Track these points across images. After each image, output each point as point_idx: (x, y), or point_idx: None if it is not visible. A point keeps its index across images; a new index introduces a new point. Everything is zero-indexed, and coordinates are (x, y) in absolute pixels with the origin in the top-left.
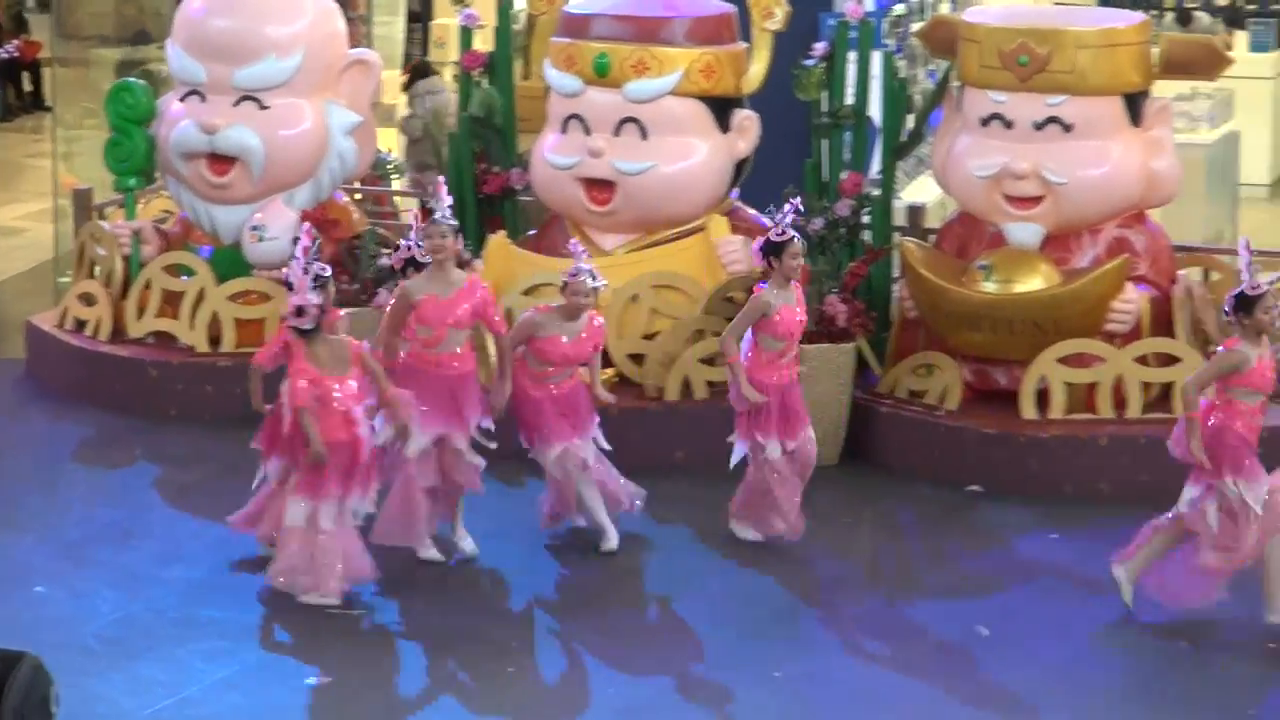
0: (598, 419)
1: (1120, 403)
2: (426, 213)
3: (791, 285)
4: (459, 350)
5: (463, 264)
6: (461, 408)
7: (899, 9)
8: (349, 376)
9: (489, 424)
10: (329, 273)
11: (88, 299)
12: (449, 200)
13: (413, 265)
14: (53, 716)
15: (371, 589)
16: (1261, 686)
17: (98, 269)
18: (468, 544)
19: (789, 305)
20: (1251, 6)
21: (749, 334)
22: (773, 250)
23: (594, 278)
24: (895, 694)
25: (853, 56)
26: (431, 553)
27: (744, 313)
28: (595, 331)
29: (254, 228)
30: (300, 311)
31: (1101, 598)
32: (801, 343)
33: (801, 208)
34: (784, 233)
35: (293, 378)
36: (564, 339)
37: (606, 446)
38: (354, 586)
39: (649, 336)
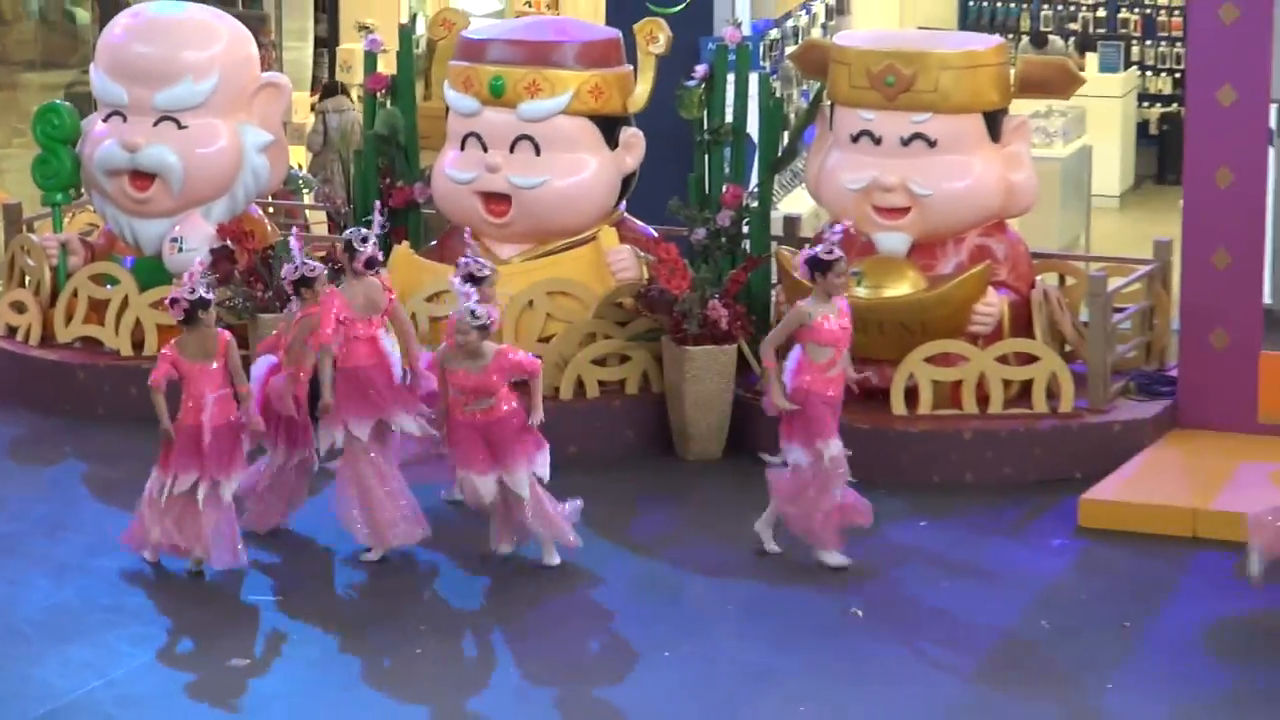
0: (535, 451)
1: (983, 399)
2: (333, 226)
3: (833, 299)
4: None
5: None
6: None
7: (774, 34)
8: (209, 364)
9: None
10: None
11: (18, 306)
12: (380, 219)
13: (305, 284)
14: None
15: (292, 577)
16: (1115, 660)
17: (27, 278)
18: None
19: (829, 315)
20: (1101, 30)
21: (797, 347)
22: (820, 267)
23: (474, 316)
24: (778, 671)
25: (731, 78)
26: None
27: (783, 323)
28: (503, 365)
29: (173, 239)
30: (174, 302)
31: (967, 579)
32: (686, 344)
33: (850, 230)
34: (832, 251)
35: (160, 360)
36: (468, 372)
37: (539, 477)
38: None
39: (544, 339)
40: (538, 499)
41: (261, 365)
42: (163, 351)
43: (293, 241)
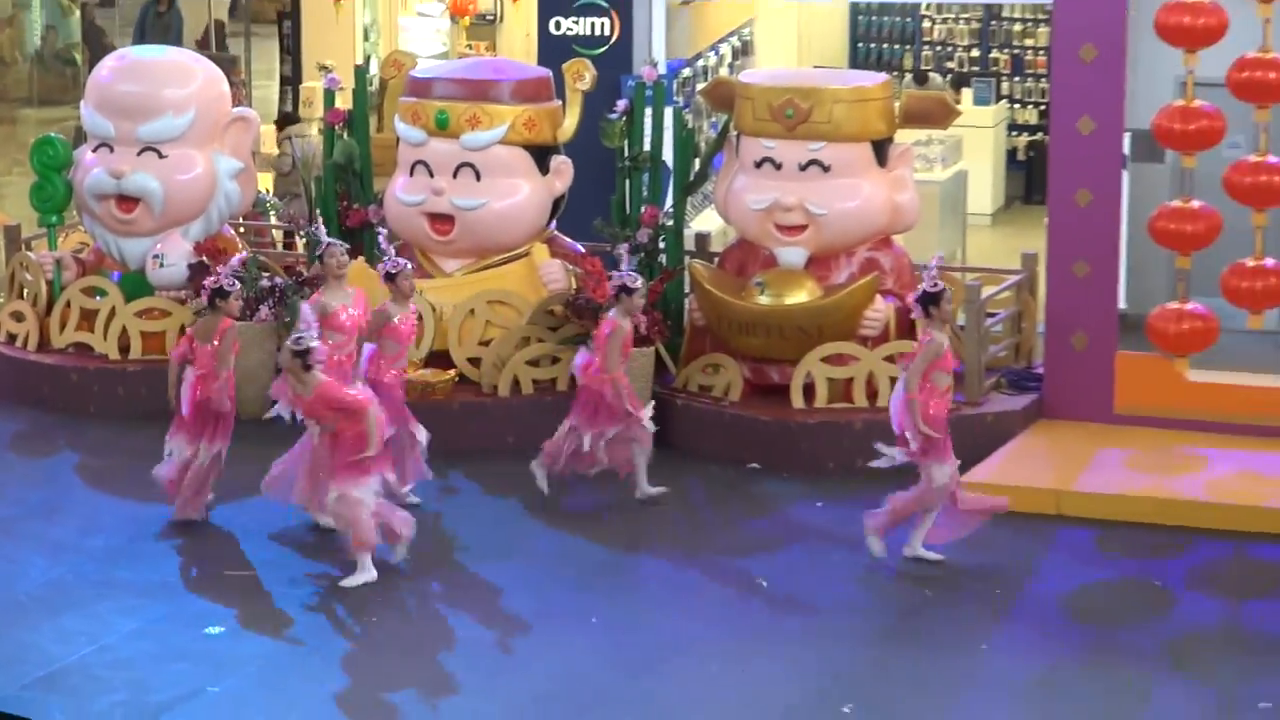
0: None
1: (872, 394)
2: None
3: (946, 327)
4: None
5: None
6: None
7: (686, 72)
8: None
9: None
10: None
11: (18, 316)
12: (322, 229)
13: (390, 279)
14: None
15: (268, 552)
16: (990, 624)
17: (25, 291)
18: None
19: (947, 345)
20: (975, 68)
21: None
22: (931, 300)
23: (295, 343)
24: (692, 635)
25: (649, 111)
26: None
27: (922, 357)
28: (325, 398)
29: (155, 256)
30: (200, 290)
31: (859, 554)
32: None
33: (944, 262)
34: (936, 284)
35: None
36: (300, 396)
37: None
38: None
39: (484, 343)
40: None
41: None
42: (187, 331)
43: (382, 240)
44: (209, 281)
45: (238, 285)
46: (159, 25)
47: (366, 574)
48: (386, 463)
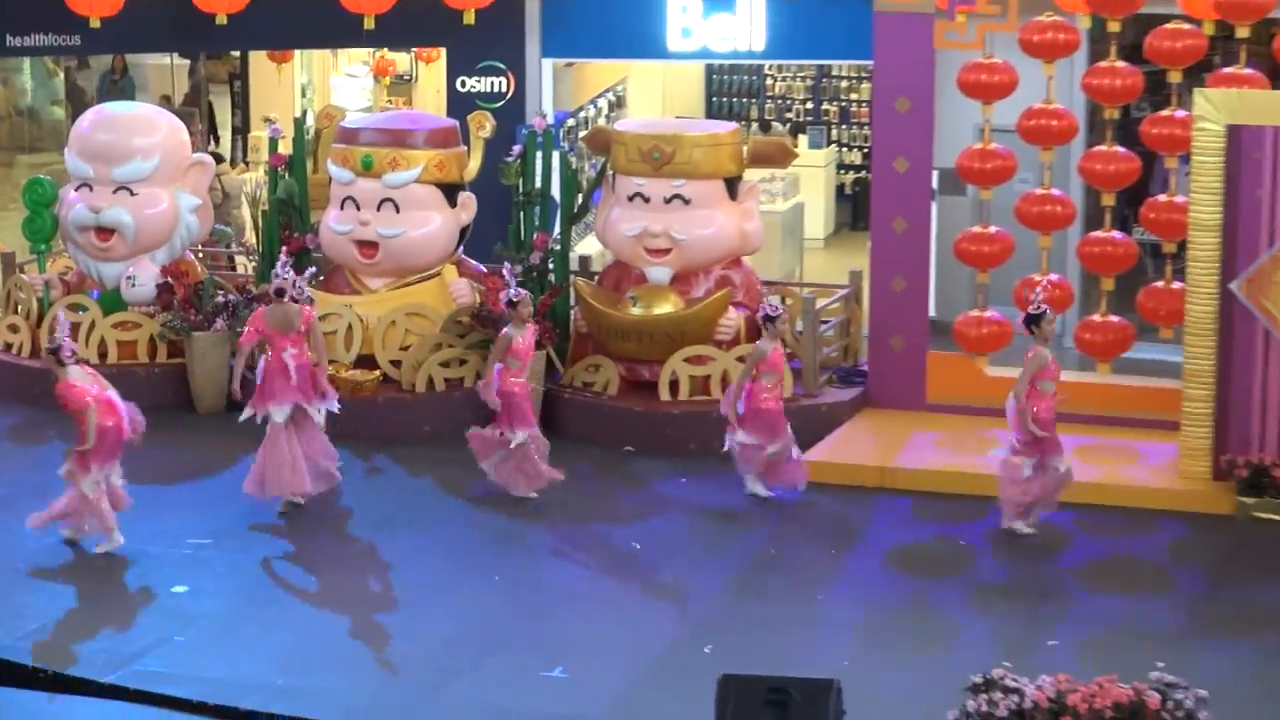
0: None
1: (726, 389)
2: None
3: (1050, 343)
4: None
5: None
6: (307, 391)
7: (570, 122)
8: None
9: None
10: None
11: (13, 328)
12: (284, 261)
13: (511, 305)
14: None
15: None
16: (826, 577)
17: (20, 307)
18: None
19: (1055, 360)
20: (809, 118)
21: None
22: (1034, 321)
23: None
24: (578, 589)
25: (540, 155)
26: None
27: (1028, 368)
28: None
29: (128, 277)
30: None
31: (717, 521)
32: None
33: (1048, 290)
34: (1039, 307)
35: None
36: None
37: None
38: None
39: (404, 348)
40: None
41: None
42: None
43: (506, 273)
44: (505, 295)
45: (524, 295)
46: (115, 90)
47: (113, 542)
48: (106, 459)
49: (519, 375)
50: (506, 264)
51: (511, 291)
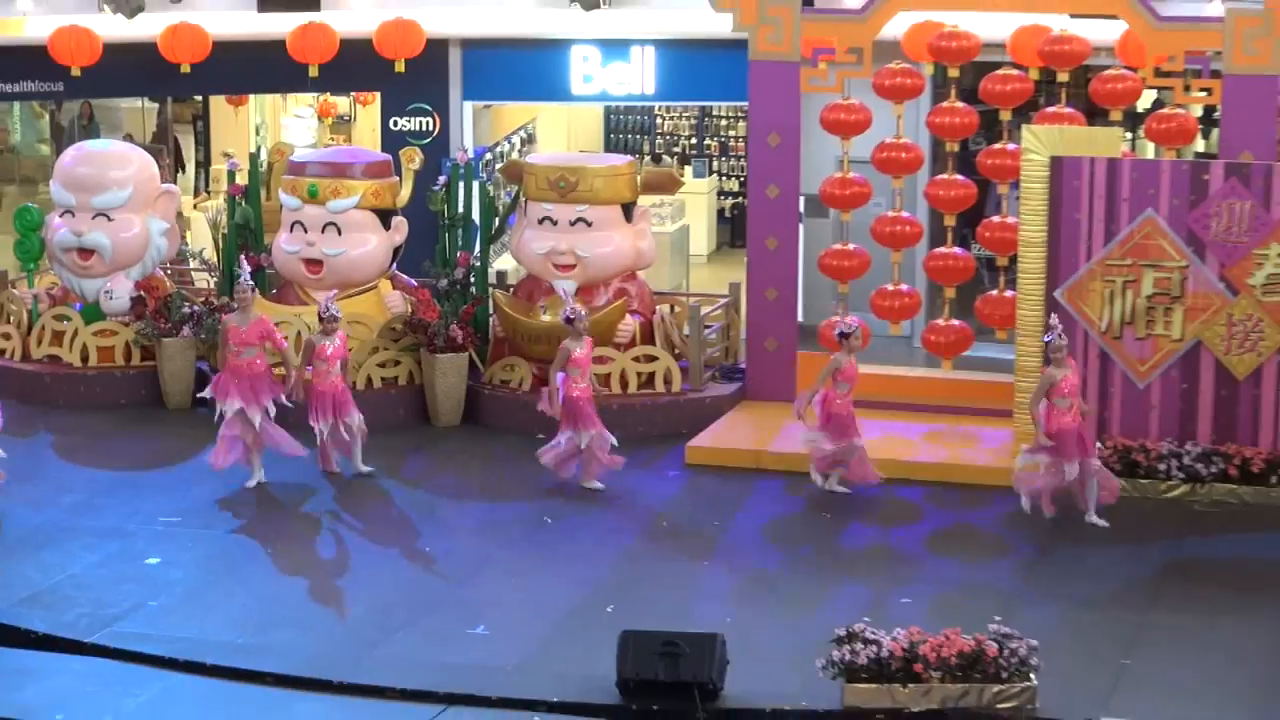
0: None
1: (624, 384)
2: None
3: (1067, 363)
4: (254, 357)
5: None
6: (257, 392)
7: (488, 156)
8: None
9: (285, 401)
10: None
11: (6, 336)
12: (248, 270)
13: (569, 321)
14: None
15: (191, 504)
16: (710, 546)
17: (11, 318)
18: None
19: (1068, 376)
20: (694, 151)
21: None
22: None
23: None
24: (497, 557)
25: (462, 184)
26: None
27: (1039, 386)
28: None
29: (106, 291)
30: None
31: (617, 498)
32: (436, 354)
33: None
34: (1053, 331)
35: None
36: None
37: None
38: None
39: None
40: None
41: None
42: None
43: (562, 292)
44: (564, 312)
45: (581, 313)
46: (84, 131)
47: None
48: None
49: (580, 382)
50: (563, 286)
51: (569, 309)
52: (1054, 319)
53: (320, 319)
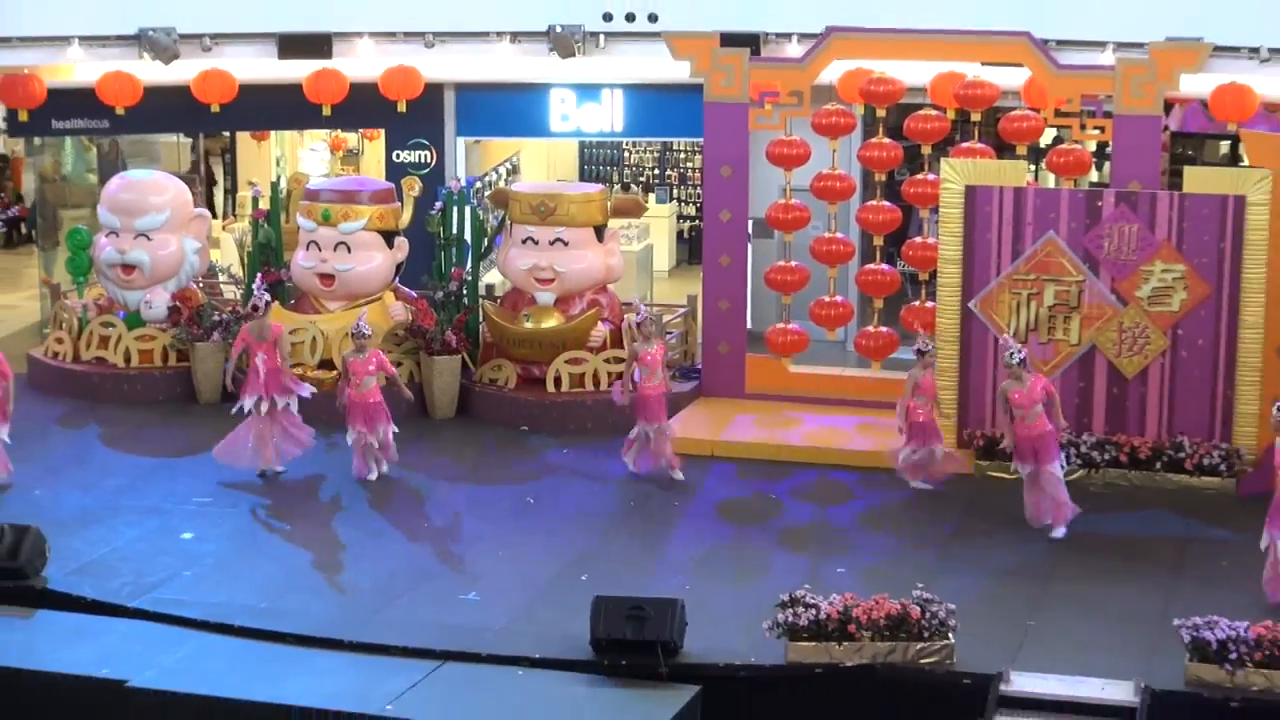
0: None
1: (596, 383)
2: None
3: (1025, 378)
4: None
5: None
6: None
7: (479, 185)
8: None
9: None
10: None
11: (59, 340)
12: (259, 286)
13: (640, 328)
14: (46, 560)
15: (220, 488)
16: (673, 522)
17: (64, 324)
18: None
19: (1020, 389)
20: (657, 180)
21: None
22: (639, 325)
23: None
24: (487, 532)
25: (456, 209)
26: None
27: (1000, 401)
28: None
29: (146, 302)
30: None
31: (593, 480)
32: (433, 355)
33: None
34: (1010, 348)
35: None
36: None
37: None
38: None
39: None
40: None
41: None
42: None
43: (637, 303)
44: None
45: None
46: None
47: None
48: None
49: (650, 380)
50: (639, 301)
51: (639, 316)
52: (1006, 338)
53: (353, 337)
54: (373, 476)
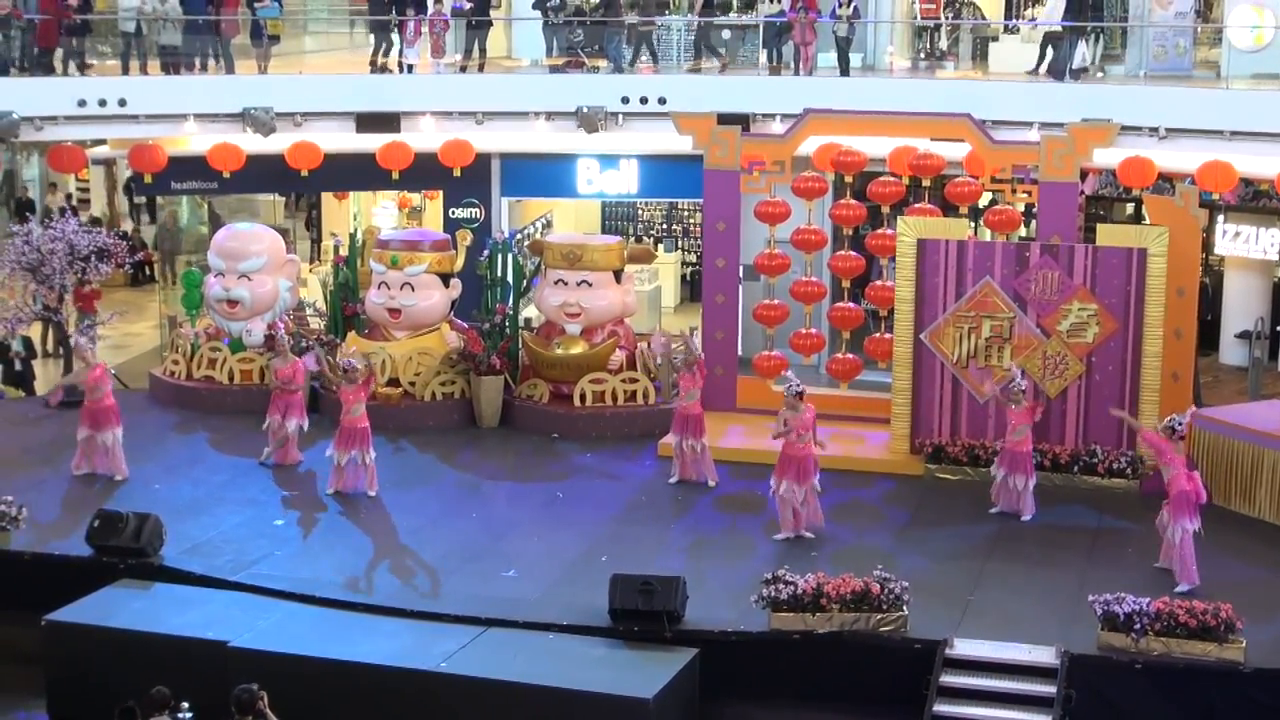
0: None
1: (614, 398)
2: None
3: (1021, 400)
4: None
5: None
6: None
7: (519, 236)
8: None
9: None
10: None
11: (175, 362)
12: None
13: (686, 365)
14: (164, 542)
15: (305, 481)
16: (676, 516)
17: (179, 348)
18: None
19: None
20: (665, 233)
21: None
22: (1007, 392)
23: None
24: (522, 520)
25: (500, 256)
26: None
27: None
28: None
29: (247, 331)
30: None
31: (607, 478)
32: (481, 376)
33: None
34: (1011, 380)
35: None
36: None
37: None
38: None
39: (417, 374)
40: None
41: None
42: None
43: (688, 340)
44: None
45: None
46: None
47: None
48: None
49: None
50: (688, 332)
51: (689, 352)
52: (1012, 366)
53: (344, 371)
54: (372, 492)
